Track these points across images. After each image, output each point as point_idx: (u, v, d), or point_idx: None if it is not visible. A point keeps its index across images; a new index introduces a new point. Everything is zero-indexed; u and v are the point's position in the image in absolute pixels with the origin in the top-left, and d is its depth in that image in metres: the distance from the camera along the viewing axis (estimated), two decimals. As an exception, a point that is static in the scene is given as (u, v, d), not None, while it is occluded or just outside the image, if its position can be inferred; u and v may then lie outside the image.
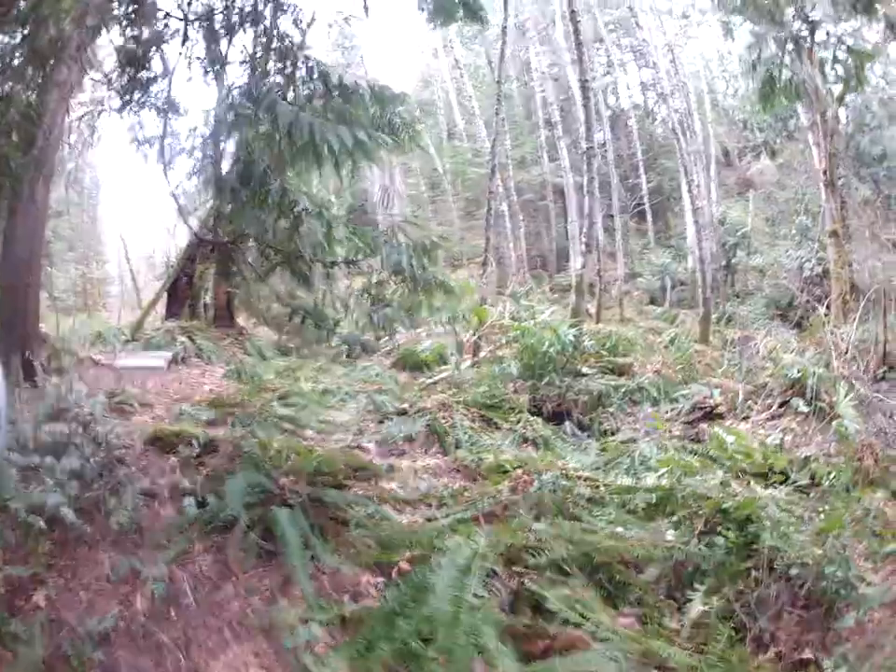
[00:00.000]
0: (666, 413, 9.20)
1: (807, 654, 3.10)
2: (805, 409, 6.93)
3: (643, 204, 23.33)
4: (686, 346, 12.54)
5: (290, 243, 4.54)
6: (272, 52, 4.77)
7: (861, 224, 10.99)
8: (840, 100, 9.22)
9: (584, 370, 10.25)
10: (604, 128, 21.13)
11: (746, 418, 8.00)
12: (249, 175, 4.42)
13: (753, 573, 3.50)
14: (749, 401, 8.29)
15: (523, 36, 24.97)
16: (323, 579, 3.25)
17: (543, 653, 2.70)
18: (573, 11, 11.62)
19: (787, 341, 9.88)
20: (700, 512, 4.13)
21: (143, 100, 5.25)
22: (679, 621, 3.20)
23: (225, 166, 4.98)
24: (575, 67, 18.62)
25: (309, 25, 5.14)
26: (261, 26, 4.86)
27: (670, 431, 8.43)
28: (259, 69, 4.69)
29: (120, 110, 5.25)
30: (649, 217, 23.42)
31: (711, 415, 8.52)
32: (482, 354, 11.73)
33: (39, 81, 4.96)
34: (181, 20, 4.94)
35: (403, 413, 7.65)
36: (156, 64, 5.45)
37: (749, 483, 5.10)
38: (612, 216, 19.97)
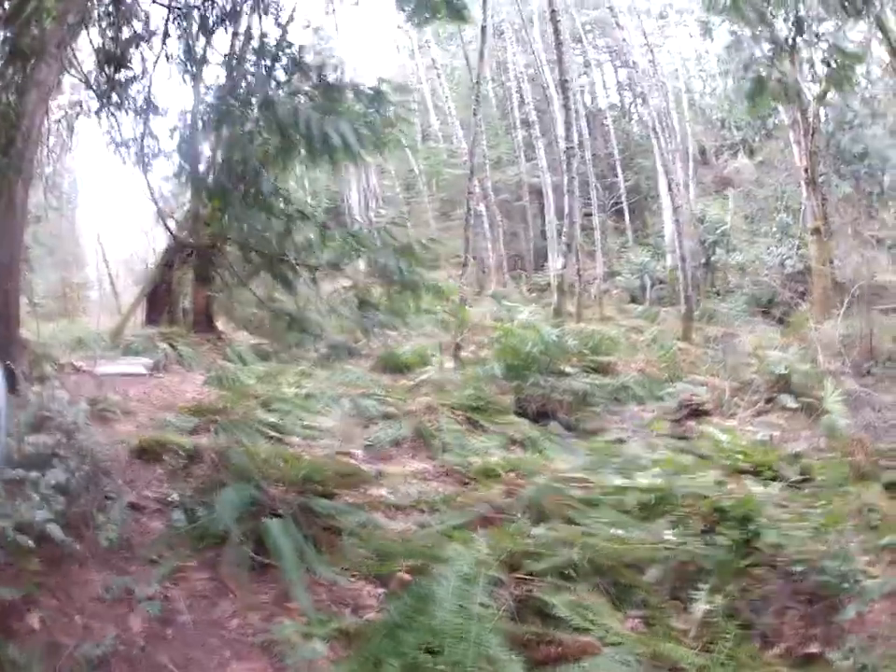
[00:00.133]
0: (652, 411, 9.23)
1: (813, 649, 3.09)
2: (792, 405, 6.95)
3: (621, 203, 23.48)
4: (669, 344, 12.60)
5: (278, 245, 4.41)
6: (252, 49, 4.64)
7: (842, 221, 11.14)
8: (822, 99, 9.34)
9: (568, 369, 10.22)
10: (581, 128, 21.21)
11: (733, 415, 8.03)
12: (239, 174, 4.28)
13: (755, 570, 3.49)
14: (736, 398, 8.33)
15: (499, 37, 24.99)
16: (321, 591, 3.15)
17: (553, 661, 2.63)
18: (553, 11, 11.62)
19: (770, 337, 9.98)
20: (698, 511, 4.11)
21: (121, 101, 5.11)
22: (685, 621, 3.16)
23: (207, 166, 4.87)
24: (552, 67, 18.69)
25: (288, 23, 5.03)
26: (242, 24, 4.73)
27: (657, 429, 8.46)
28: (248, 63, 4.56)
29: (98, 112, 5.11)
30: (626, 216, 23.56)
31: (698, 413, 8.54)
32: (463, 355, 11.68)
33: (19, 82, 4.80)
34: (166, 15, 4.80)
35: (388, 416, 7.56)
36: (135, 64, 5.33)
37: (740, 480, 5.10)
38: (591, 215, 20.03)
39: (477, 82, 13.33)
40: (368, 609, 3.05)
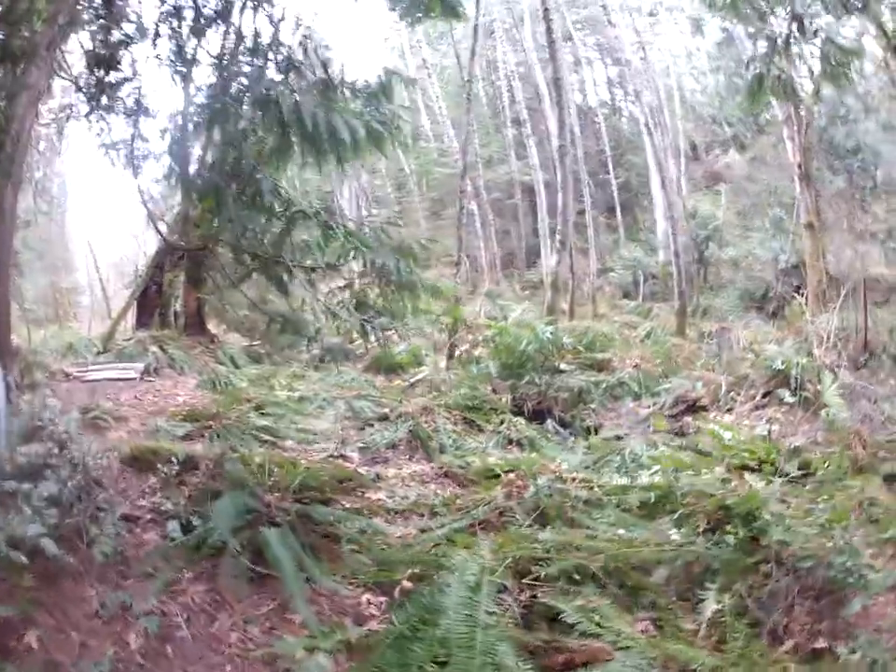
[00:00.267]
0: (648, 407, 9.19)
1: (821, 644, 3.07)
2: (790, 399, 6.92)
3: (612, 200, 23.45)
4: (663, 340, 12.59)
5: (273, 247, 4.31)
6: (245, 48, 4.55)
7: (836, 215, 11.15)
8: (816, 94, 9.33)
9: (563, 367, 10.19)
10: (573, 125, 21.19)
11: (730, 410, 7.99)
12: (233, 174, 4.18)
13: (762, 568, 3.45)
14: (732, 393, 8.29)
15: (490, 36, 24.92)
16: (322, 601, 3.07)
17: (564, 668, 2.58)
18: (546, 9, 11.58)
19: (766, 332, 9.96)
20: (702, 510, 4.06)
21: (111, 103, 5.01)
22: (695, 621, 3.13)
23: (199, 166, 4.78)
24: (544, 66, 18.65)
25: (281, 21, 4.94)
26: (234, 22, 4.64)
27: (654, 426, 8.41)
28: (241, 62, 4.47)
29: (88, 115, 5.01)
30: (618, 213, 23.55)
31: (694, 408, 8.51)
32: (457, 354, 11.62)
33: (9, 85, 4.69)
34: (157, 15, 4.70)
35: (384, 418, 7.49)
36: (125, 66, 5.24)
37: (741, 476, 5.06)
38: (583, 212, 20.00)
39: (469, 80, 13.27)
40: (371, 619, 2.97)
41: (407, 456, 6.65)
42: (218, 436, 5.50)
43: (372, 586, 3.23)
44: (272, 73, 4.41)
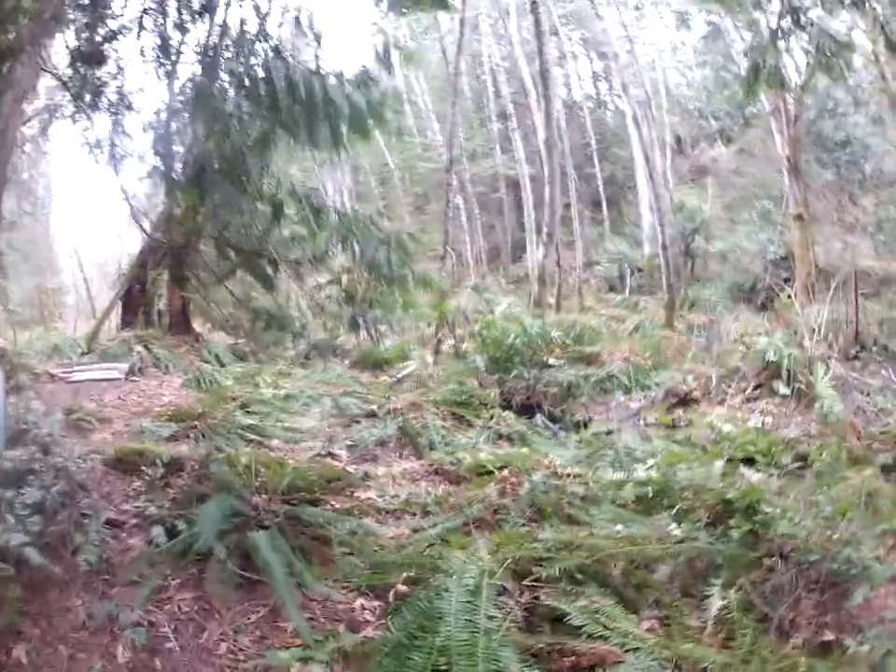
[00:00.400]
0: (639, 400, 9.14)
1: (829, 636, 3.03)
2: (784, 391, 6.89)
3: (597, 194, 23.43)
4: (652, 333, 12.54)
5: (258, 241, 4.16)
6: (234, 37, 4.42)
7: (825, 208, 11.17)
8: (805, 86, 9.34)
9: (551, 360, 10.12)
10: (559, 119, 21.14)
11: (721, 402, 7.97)
12: (222, 154, 4.01)
13: (765, 562, 3.39)
14: (723, 385, 8.27)
15: (475, 30, 24.78)
16: (314, 607, 2.94)
17: None
18: (534, 2, 11.51)
19: (755, 324, 9.95)
20: (701, 503, 3.99)
21: (95, 99, 4.89)
22: (700, 618, 3.05)
23: (184, 159, 4.64)
24: (530, 60, 18.57)
25: (267, 14, 4.81)
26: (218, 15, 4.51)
27: (645, 419, 8.38)
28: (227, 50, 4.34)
29: (74, 114, 4.88)
30: (604, 206, 23.53)
31: (686, 401, 8.48)
32: (444, 349, 11.51)
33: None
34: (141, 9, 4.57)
35: (371, 415, 7.36)
36: (110, 62, 5.13)
37: (737, 469, 4.99)
38: (569, 205, 19.95)
39: (455, 73, 13.13)
40: (365, 625, 2.85)
41: (396, 454, 6.52)
42: (204, 436, 5.37)
43: (366, 590, 3.11)
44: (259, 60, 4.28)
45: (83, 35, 5.48)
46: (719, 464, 4.53)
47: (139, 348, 9.37)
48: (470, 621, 2.46)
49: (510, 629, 2.56)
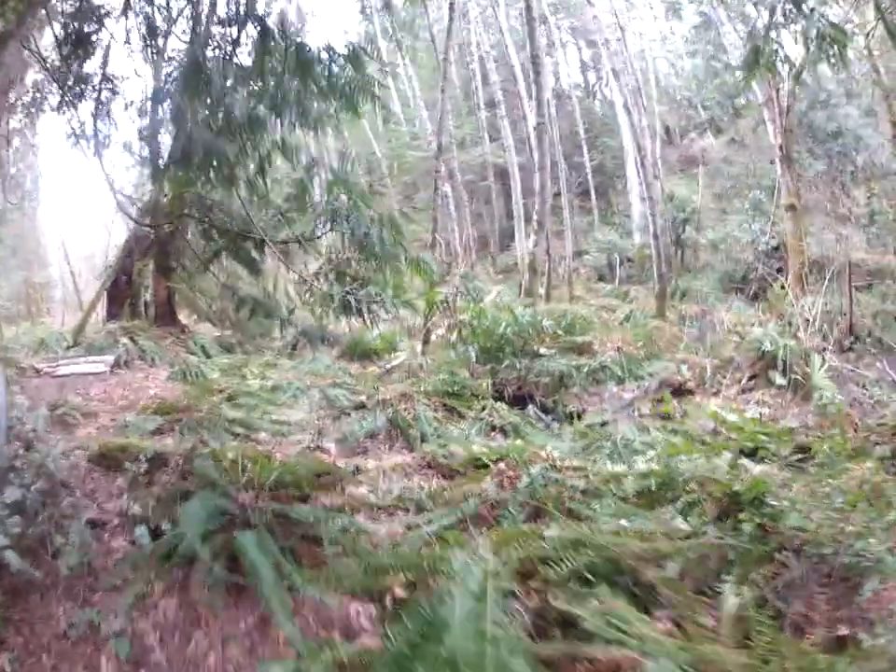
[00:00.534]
0: (632, 391, 9.02)
1: (843, 631, 2.90)
2: (781, 381, 6.79)
3: (586, 182, 23.32)
4: (644, 322, 12.44)
5: (244, 223, 3.94)
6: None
7: (817, 198, 11.11)
8: (798, 76, 9.25)
9: (543, 350, 9.98)
10: (548, 106, 20.98)
11: (716, 393, 7.87)
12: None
13: (776, 556, 3.25)
14: (718, 376, 8.17)
15: (463, 18, 24.51)
16: (306, 613, 2.76)
17: (585, 680, 2.30)
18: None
19: (748, 314, 9.85)
20: (708, 496, 3.85)
21: (81, 86, 4.70)
22: (715, 617, 2.90)
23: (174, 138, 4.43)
24: (519, 47, 18.35)
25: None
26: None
27: (639, 410, 8.25)
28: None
29: (60, 105, 4.70)
30: (592, 196, 23.42)
31: (680, 391, 8.36)
32: (433, 339, 11.33)
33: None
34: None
35: (361, 406, 7.19)
36: (97, 49, 4.94)
37: (738, 460, 4.87)
38: (559, 194, 19.79)
39: (444, 59, 12.89)
40: (362, 632, 2.67)
41: (387, 446, 6.37)
42: (189, 430, 5.18)
43: (360, 594, 2.93)
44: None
45: (70, 22, 5.30)
46: (726, 455, 4.38)
47: (125, 340, 9.28)
48: (477, 628, 2.29)
49: (520, 636, 2.39)
